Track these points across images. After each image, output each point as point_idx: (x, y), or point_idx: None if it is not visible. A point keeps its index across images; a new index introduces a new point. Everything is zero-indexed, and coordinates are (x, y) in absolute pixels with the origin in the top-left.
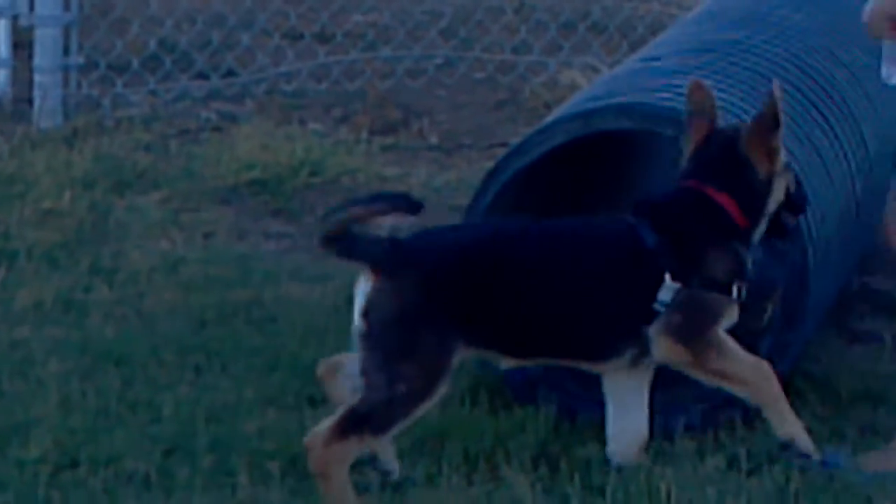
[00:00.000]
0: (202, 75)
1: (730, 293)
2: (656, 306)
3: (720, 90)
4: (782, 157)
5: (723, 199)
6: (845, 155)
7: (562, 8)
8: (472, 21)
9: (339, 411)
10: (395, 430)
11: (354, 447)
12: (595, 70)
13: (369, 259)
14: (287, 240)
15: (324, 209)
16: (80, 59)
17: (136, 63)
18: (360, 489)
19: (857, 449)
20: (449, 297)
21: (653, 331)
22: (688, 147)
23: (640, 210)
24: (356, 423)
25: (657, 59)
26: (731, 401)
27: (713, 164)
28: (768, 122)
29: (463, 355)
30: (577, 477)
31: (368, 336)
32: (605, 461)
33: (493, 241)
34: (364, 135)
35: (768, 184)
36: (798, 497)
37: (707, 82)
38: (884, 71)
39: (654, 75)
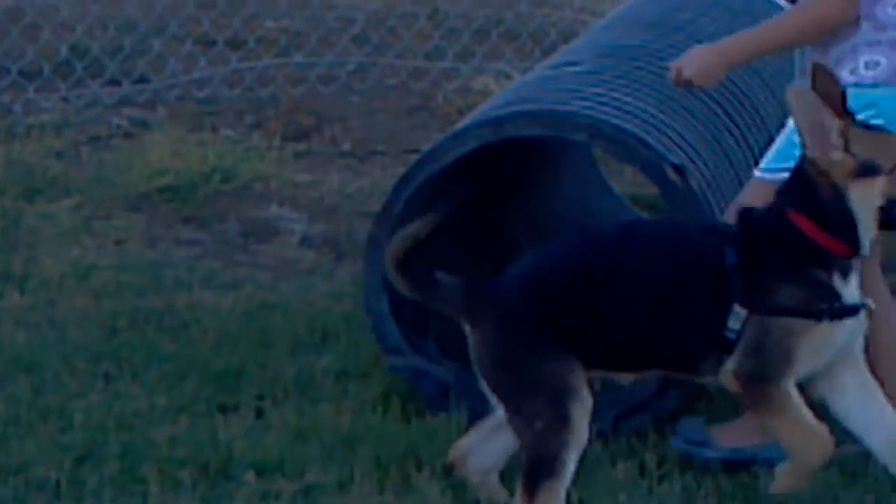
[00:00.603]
0: (114, 81)
1: (808, 316)
2: (727, 333)
3: (625, 94)
4: (845, 164)
5: (801, 220)
6: (756, 160)
7: (475, 14)
8: (384, 27)
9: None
10: (570, 465)
11: (552, 498)
12: (507, 76)
13: (451, 309)
14: (199, 246)
15: (236, 216)
16: None
17: (47, 69)
18: (270, 496)
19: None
20: (546, 324)
21: (725, 367)
22: None
23: (737, 224)
24: (536, 479)
25: (569, 65)
26: (641, 407)
27: (790, 183)
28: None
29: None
30: None
31: (489, 388)
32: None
33: (578, 264)
34: (276, 141)
35: (839, 197)
36: (707, 503)
37: (827, 65)
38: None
39: (565, 82)
